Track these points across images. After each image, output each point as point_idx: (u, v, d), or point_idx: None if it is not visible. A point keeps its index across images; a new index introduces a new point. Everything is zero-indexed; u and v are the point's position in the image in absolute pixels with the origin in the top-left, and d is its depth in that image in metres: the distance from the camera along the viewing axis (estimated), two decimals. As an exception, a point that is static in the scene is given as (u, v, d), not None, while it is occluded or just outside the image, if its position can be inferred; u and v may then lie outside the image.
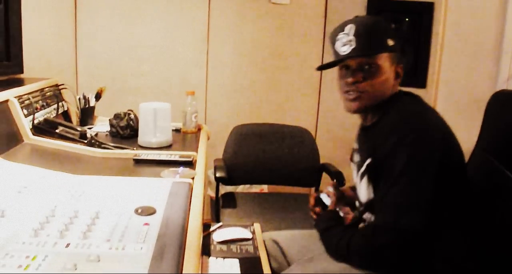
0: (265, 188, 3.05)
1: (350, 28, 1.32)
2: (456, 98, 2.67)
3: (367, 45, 1.30)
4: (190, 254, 0.99)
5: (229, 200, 2.35)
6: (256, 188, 3.07)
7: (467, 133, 2.52)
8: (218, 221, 2.10)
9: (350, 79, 1.33)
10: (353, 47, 1.30)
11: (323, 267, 1.29)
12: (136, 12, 2.86)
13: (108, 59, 2.84)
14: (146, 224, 1.08)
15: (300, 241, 1.54)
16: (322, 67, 1.47)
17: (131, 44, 2.87)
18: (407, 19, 2.74)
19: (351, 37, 1.31)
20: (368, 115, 1.41)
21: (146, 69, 2.90)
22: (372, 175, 1.27)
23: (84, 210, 1.12)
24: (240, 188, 2.97)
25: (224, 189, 2.72)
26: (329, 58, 2.89)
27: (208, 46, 2.93)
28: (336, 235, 1.25)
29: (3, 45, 2.00)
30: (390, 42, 1.31)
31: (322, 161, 2.54)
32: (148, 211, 1.14)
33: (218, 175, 2.24)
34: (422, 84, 2.77)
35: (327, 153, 2.72)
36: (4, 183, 1.25)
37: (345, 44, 1.31)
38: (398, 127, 1.25)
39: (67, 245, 0.95)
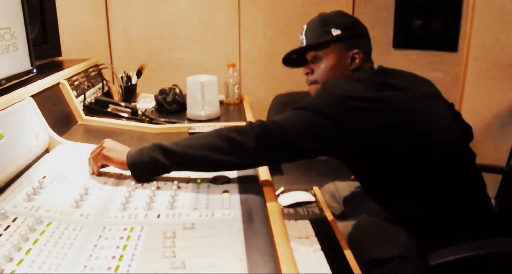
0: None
1: (303, 29, 1.48)
2: (488, 61, 2.60)
3: (311, 40, 1.43)
4: (275, 216, 1.01)
5: (275, 167, 2.37)
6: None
7: (501, 96, 2.49)
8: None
9: (303, 71, 1.48)
10: (303, 45, 1.46)
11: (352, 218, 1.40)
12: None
13: (140, 36, 2.83)
14: (226, 191, 1.10)
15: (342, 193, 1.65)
16: (289, 64, 1.56)
17: (163, 19, 2.85)
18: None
19: (303, 36, 1.47)
20: None
21: (179, 44, 2.88)
22: None
23: (161, 183, 1.14)
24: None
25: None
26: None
27: (240, 18, 2.90)
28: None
29: (40, 29, 2.01)
30: (336, 32, 1.39)
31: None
32: (224, 180, 1.16)
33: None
34: (454, 47, 2.67)
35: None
36: (75, 162, 1.28)
37: (301, 43, 1.47)
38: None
39: (158, 216, 0.98)
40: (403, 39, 2.79)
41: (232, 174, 1.20)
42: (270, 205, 1.06)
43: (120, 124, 1.71)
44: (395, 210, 1.36)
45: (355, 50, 1.40)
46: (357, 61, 1.40)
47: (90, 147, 1.31)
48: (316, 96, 1.28)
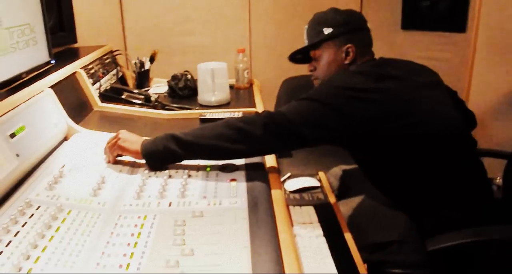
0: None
1: (304, 29, 1.59)
2: (497, 41, 2.58)
3: (309, 41, 1.56)
4: (279, 204, 1.07)
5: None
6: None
7: (510, 76, 2.49)
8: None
9: (308, 68, 1.60)
10: (306, 43, 1.57)
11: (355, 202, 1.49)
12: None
13: (153, 21, 2.87)
14: (233, 179, 1.17)
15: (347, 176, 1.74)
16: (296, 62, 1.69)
17: (174, 4, 2.88)
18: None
19: (305, 36, 1.58)
20: None
21: (190, 28, 2.92)
22: None
23: (173, 172, 1.21)
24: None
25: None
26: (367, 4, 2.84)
27: (250, 1, 2.92)
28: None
29: (57, 18, 2.07)
30: (327, 31, 1.49)
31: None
32: (232, 168, 1.23)
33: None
34: (462, 28, 2.64)
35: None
36: (92, 150, 1.35)
37: (305, 39, 1.58)
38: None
39: (170, 204, 1.05)
40: (412, 20, 2.79)
41: (240, 161, 1.27)
42: (275, 193, 1.12)
43: (134, 110, 1.78)
44: (396, 195, 1.42)
45: (348, 45, 1.47)
46: (351, 55, 1.48)
47: (106, 135, 1.38)
48: (317, 88, 1.36)
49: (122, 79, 2.24)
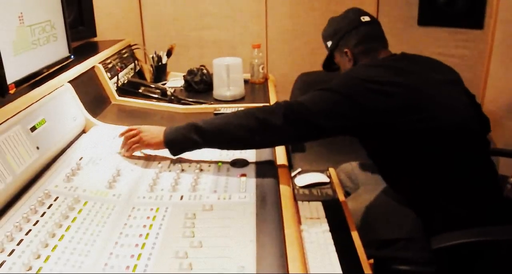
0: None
1: None
2: None
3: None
4: (286, 200, 1.10)
5: (298, 146, 2.46)
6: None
7: None
8: (290, 165, 2.23)
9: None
10: None
11: (364, 199, 1.52)
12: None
13: (170, 15, 2.91)
14: (243, 175, 1.20)
15: (357, 173, 1.78)
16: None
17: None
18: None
19: None
20: None
21: (207, 22, 2.95)
22: None
23: (186, 166, 1.26)
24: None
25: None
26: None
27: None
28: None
29: (77, 12, 2.12)
30: (329, 44, 1.63)
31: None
32: (242, 163, 1.27)
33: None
34: (479, 25, 2.59)
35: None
36: (109, 143, 1.40)
37: None
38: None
39: (181, 197, 1.09)
40: (428, 16, 2.76)
41: (251, 157, 1.30)
42: (283, 189, 1.15)
43: (151, 104, 1.82)
44: (405, 190, 1.44)
45: (345, 50, 1.56)
46: (350, 58, 1.56)
47: (122, 128, 1.42)
48: (337, 79, 1.38)
49: (140, 73, 2.29)
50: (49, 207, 1.03)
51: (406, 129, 1.31)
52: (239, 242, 0.90)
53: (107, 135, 1.46)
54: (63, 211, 1.01)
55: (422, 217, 1.41)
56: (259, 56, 2.20)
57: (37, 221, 0.97)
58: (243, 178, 1.18)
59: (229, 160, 1.29)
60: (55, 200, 1.06)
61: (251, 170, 1.24)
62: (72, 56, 1.64)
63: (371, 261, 1.36)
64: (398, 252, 1.40)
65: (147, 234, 0.94)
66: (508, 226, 1.31)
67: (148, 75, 2.32)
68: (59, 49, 1.56)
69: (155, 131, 1.32)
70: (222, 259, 0.85)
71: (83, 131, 1.52)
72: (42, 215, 0.99)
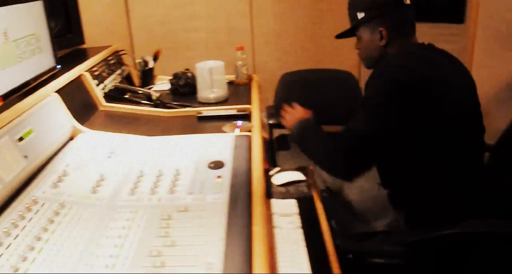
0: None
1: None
2: (497, 33, 2.58)
3: (350, 22, 1.64)
4: (257, 199, 1.18)
5: (283, 143, 2.54)
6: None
7: (510, 67, 2.51)
8: (274, 162, 2.31)
9: (355, 47, 1.68)
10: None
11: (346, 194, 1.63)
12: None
13: (157, 19, 2.98)
14: (219, 176, 1.28)
15: None
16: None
17: (178, 2, 2.99)
18: None
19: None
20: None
21: (194, 25, 3.02)
22: None
23: (166, 169, 1.33)
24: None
25: (278, 131, 2.93)
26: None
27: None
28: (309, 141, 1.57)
29: (65, 21, 2.19)
30: (360, 15, 1.56)
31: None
32: (219, 165, 1.34)
33: (271, 121, 2.44)
34: (460, 19, 2.65)
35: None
36: (95, 149, 1.48)
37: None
38: (373, 76, 1.48)
39: (159, 200, 1.17)
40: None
41: (228, 158, 1.38)
42: (256, 188, 1.23)
43: (136, 109, 1.90)
44: (396, 184, 1.51)
45: (380, 29, 1.54)
46: (385, 38, 1.54)
47: (108, 135, 1.50)
48: (376, 86, 1.44)
49: (128, 78, 2.36)
50: (36, 213, 1.11)
51: (421, 129, 1.39)
52: (209, 241, 0.98)
53: (92, 141, 1.54)
54: (49, 216, 1.09)
55: (405, 211, 1.48)
56: (243, 57, 2.28)
57: (25, 226, 1.05)
58: (219, 179, 1.26)
59: (207, 162, 1.36)
60: (42, 206, 1.14)
61: (227, 171, 1.31)
62: (58, 66, 1.71)
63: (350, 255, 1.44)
64: (375, 245, 1.47)
65: (126, 235, 1.02)
66: (487, 220, 1.38)
67: (136, 80, 2.39)
68: (45, 60, 1.63)
69: (294, 117, 1.66)
70: (192, 257, 0.93)
71: (71, 138, 1.60)
72: (30, 221, 1.07)
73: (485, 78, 2.57)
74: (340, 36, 1.71)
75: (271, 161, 2.38)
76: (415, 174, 1.45)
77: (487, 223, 1.36)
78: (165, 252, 0.95)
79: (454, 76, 1.48)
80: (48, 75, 1.63)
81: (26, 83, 1.48)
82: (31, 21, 1.54)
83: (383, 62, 1.52)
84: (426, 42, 1.59)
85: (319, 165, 1.52)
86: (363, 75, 3.16)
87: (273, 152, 2.40)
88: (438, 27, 2.76)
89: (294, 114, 1.66)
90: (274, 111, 2.58)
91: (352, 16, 1.60)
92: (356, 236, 1.50)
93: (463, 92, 1.49)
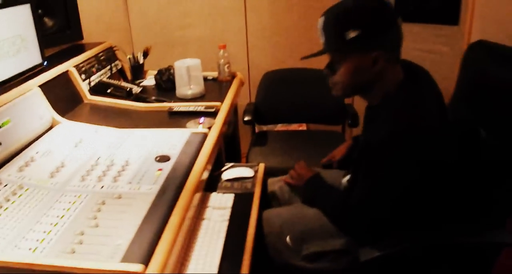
0: (303, 126, 3.38)
1: (320, 20, 1.32)
2: (493, 36, 2.55)
3: (326, 42, 1.31)
4: (185, 192, 1.35)
5: (261, 139, 2.69)
6: (294, 127, 3.40)
7: None
8: (246, 158, 2.48)
9: (324, 71, 1.38)
10: (322, 41, 1.33)
11: (298, 211, 1.62)
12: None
13: (156, 15, 3.15)
14: (160, 169, 1.46)
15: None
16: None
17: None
18: None
19: (320, 30, 1.32)
20: (365, 97, 1.44)
21: (190, 22, 3.17)
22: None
23: (118, 159, 1.53)
24: (279, 126, 3.32)
25: (262, 128, 3.11)
26: None
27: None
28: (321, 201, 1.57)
29: (63, 17, 2.40)
30: (352, 34, 1.22)
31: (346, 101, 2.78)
32: (165, 159, 1.53)
33: (245, 118, 2.60)
34: (454, 20, 2.60)
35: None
36: (65, 139, 1.69)
37: (320, 35, 1.33)
38: (389, 122, 1.28)
39: (102, 187, 1.37)
40: (403, 11, 2.73)
41: (175, 153, 1.55)
42: (189, 182, 1.40)
43: (117, 103, 2.10)
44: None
45: (375, 53, 1.26)
46: (379, 64, 1.27)
47: (82, 126, 1.70)
48: (376, 161, 1.30)
49: (122, 72, 2.57)
50: (-3, 192, 1.33)
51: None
52: (127, 225, 1.17)
53: (66, 132, 1.75)
54: (6, 195, 1.30)
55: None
56: (225, 56, 2.44)
57: (-16, 203, 1.27)
58: (159, 172, 1.44)
59: (155, 156, 1.55)
60: (4, 186, 1.35)
61: (169, 165, 1.49)
62: (45, 63, 1.93)
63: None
64: (329, 264, 1.47)
65: (63, 216, 1.22)
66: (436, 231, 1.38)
67: (129, 75, 2.59)
68: (31, 57, 1.85)
69: (302, 177, 1.68)
70: (107, 238, 1.12)
71: (51, 129, 1.81)
72: (-10, 198, 1.29)
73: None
74: (307, 57, 1.37)
75: (246, 156, 2.54)
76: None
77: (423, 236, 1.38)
78: (88, 232, 1.15)
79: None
80: (34, 71, 1.85)
81: (10, 79, 1.70)
82: (17, 23, 1.75)
83: (400, 108, 1.29)
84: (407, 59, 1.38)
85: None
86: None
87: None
88: (431, 28, 2.75)
89: (303, 176, 1.68)
90: (251, 108, 2.74)
91: (338, 33, 1.25)
92: (310, 255, 1.49)
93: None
